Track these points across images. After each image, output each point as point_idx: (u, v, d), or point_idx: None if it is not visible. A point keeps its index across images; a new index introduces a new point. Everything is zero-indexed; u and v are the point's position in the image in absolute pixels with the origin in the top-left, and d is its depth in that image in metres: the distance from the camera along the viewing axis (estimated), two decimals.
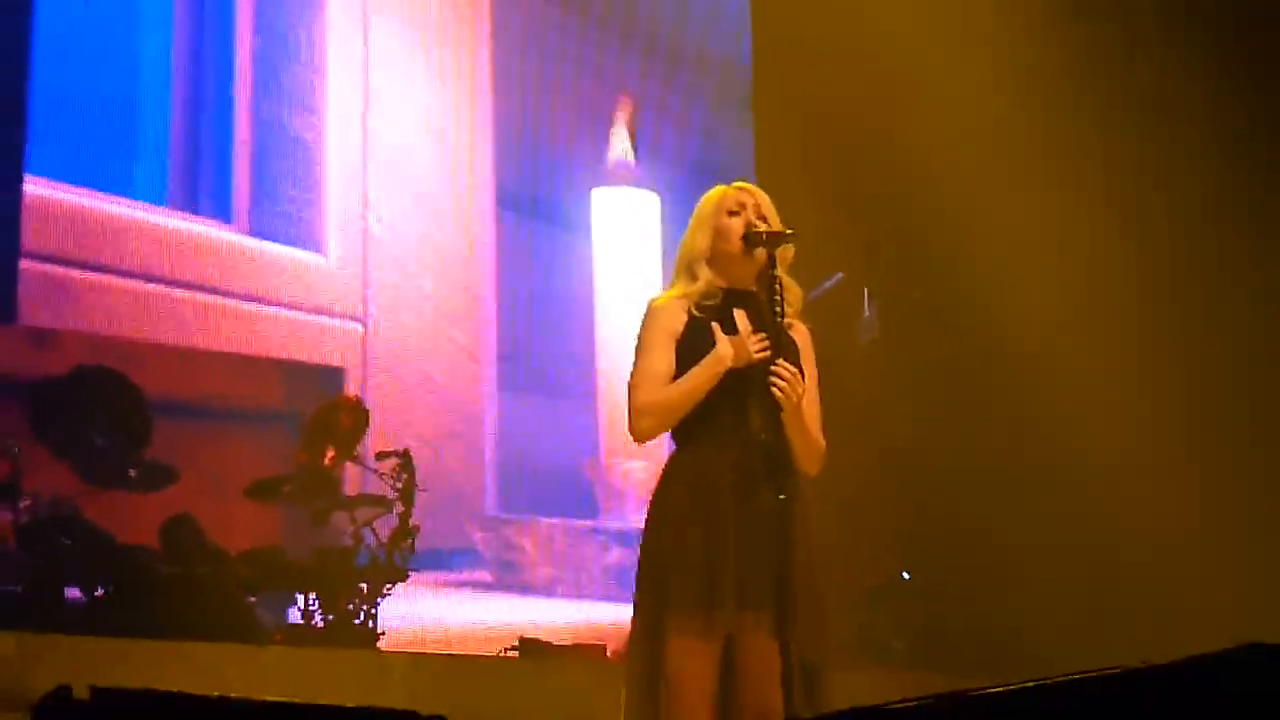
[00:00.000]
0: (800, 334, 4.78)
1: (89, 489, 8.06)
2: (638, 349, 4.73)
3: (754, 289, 4.67)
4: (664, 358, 4.64)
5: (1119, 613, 8.66)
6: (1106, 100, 9.54)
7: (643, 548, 4.66)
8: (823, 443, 4.69)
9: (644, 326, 4.74)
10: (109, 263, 9.00)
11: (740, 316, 4.65)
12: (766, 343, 4.52)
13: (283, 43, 9.81)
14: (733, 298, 4.70)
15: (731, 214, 4.73)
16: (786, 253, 4.69)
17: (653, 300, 4.82)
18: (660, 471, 4.74)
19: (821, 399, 4.77)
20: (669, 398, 4.61)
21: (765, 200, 4.78)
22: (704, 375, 4.56)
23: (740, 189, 4.84)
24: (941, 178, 9.38)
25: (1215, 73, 9.22)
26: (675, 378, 4.62)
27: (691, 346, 4.62)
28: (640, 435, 4.73)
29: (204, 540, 8.12)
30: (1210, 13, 9.38)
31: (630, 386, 4.71)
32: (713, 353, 4.56)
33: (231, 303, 9.34)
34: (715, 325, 4.60)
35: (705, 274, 4.72)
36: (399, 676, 7.49)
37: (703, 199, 4.85)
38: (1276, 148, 9.21)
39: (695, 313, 4.68)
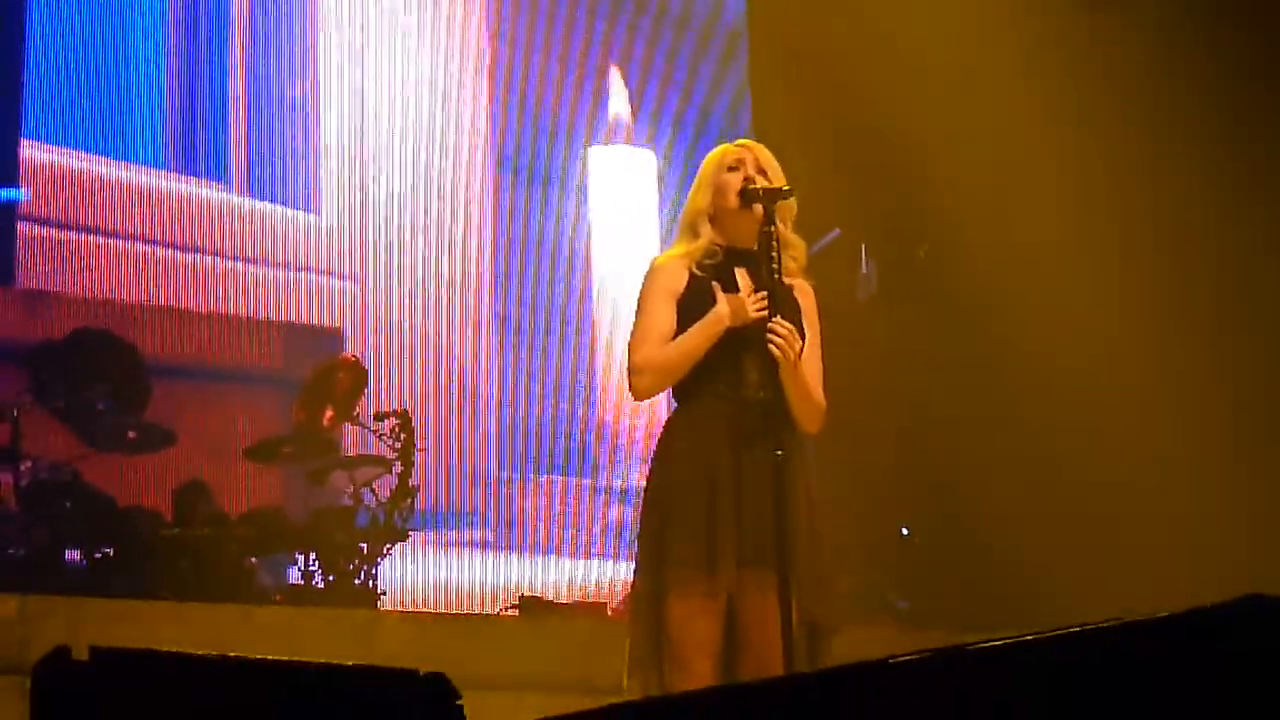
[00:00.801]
0: (803, 291, 4.77)
1: (88, 452, 8.07)
2: (638, 307, 4.74)
3: (755, 247, 4.64)
4: (664, 316, 4.65)
5: (1122, 570, 8.67)
6: (1110, 66, 9.51)
7: (644, 506, 4.67)
8: (823, 401, 4.68)
9: (645, 285, 4.75)
10: (106, 225, 9.00)
11: (741, 274, 4.65)
12: (765, 301, 4.51)
13: (277, 2, 9.78)
14: (734, 256, 4.69)
15: (730, 170, 4.72)
16: (788, 209, 4.69)
17: (655, 259, 4.83)
18: (660, 429, 4.75)
19: (823, 357, 4.77)
20: (667, 357, 4.62)
21: (766, 156, 4.76)
22: (702, 334, 4.57)
23: (740, 145, 4.84)
24: (940, 137, 9.37)
25: (1226, 67, 9.21)
26: (676, 336, 4.62)
27: (692, 305, 4.62)
28: (638, 393, 4.75)
29: (213, 506, 8.13)
30: (1220, 7, 9.35)
31: (630, 345, 4.72)
32: (711, 312, 4.56)
33: (229, 264, 9.34)
34: (715, 284, 4.59)
35: (707, 232, 4.71)
36: (399, 636, 7.50)
37: (707, 158, 4.85)
38: None
39: (697, 271, 4.67)
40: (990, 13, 9.45)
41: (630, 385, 4.73)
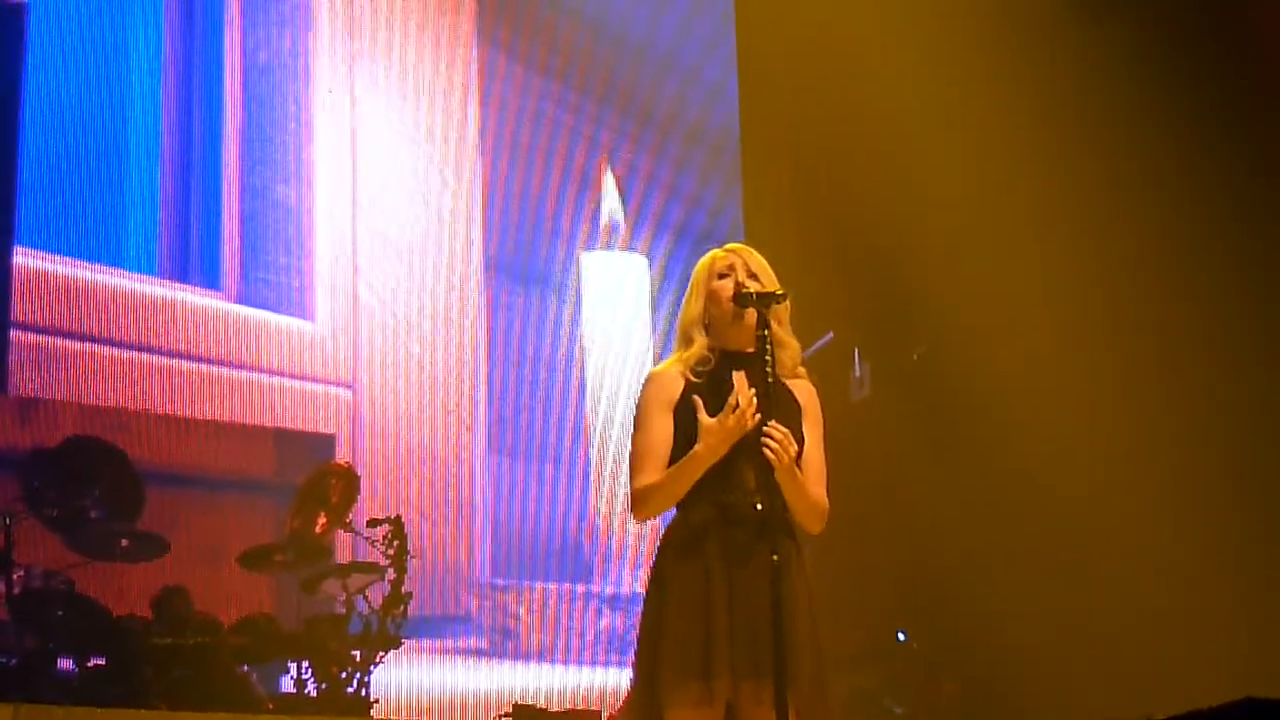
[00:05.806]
0: (804, 392, 4.75)
1: (81, 560, 8.03)
2: (636, 422, 4.71)
3: (749, 350, 4.63)
4: (661, 430, 4.62)
5: (1119, 675, 8.64)
6: (1098, 159, 9.55)
7: (642, 614, 4.64)
8: (824, 501, 4.64)
9: (641, 398, 4.72)
10: (99, 332, 9.01)
11: (738, 377, 4.62)
12: (754, 417, 4.45)
13: (271, 111, 9.84)
14: (729, 359, 4.67)
15: (722, 276, 4.71)
16: (783, 311, 4.68)
17: (651, 371, 4.81)
18: (654, 535, 4.73)
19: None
20: (665, 489, 4.57)
21: (756, 260, 4.75)
22: (691, 472, 4.52)
23: (730, 250, 4.82)
24: (932, 239, 9.40)
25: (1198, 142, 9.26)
26: (675, 443, 4.59)
27: (688, 412, 4.58)
28: (639, 518, 4.70)
29: (194, 610, 8.08)
30: (1200, 32, 9.39)
31: (631, 465, 4.67)
32: (688, 457, 4.50)
33: (222, 370, 9.34)
34: (699, 406, 4.51)
35: (701, 339, 4.70)
36: None
37: (698, 265, 4.84)
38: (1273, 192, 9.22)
39: (692, 378, 4.65)
40: (986, 118, 9.50)
41: (633, 509, 4.67)
